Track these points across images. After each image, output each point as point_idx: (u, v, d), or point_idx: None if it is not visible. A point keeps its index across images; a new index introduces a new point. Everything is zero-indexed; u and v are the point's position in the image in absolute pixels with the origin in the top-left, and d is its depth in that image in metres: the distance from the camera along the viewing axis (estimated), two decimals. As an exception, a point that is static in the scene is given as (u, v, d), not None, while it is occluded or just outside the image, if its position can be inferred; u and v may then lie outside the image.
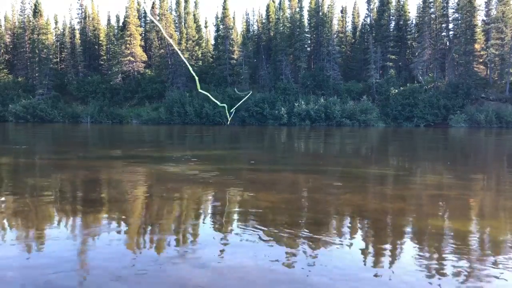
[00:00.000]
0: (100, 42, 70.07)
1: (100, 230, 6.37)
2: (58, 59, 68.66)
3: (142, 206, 8.13)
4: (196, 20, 70.28)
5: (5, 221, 6.79)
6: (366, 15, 65.32)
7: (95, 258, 5.17)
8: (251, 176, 11.97)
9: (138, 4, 70.72)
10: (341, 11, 69.29)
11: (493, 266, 4.98)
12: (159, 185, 10.56)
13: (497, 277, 4.66)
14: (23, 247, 5.55)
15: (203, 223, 6.91)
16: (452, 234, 6.34)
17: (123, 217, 7.25)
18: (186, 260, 5.10)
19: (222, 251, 5.45)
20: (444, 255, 5.33)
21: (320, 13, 60.59)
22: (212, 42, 70.43)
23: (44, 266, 4.84)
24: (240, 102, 9.30)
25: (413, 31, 60.83)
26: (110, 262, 5.03)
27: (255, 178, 11.59)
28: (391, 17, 60.77)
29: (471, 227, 6.80)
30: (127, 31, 61.07)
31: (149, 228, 6.60)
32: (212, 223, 6.89)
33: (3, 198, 8.60)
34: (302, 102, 50.61)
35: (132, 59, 60.66)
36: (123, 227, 6.62)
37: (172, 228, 6.64)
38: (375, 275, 4.69)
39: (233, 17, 65.26)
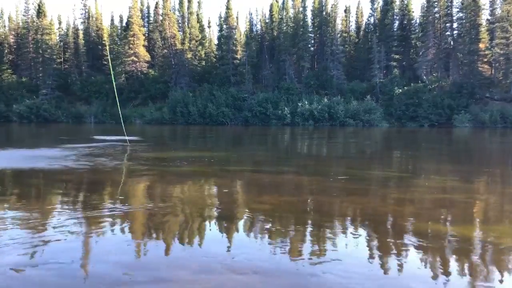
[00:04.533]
0: (103, 42, 70.20)
1: (100, 232, 6.30)
2: (62, 59, 68.85)
3: (144, 208, 8.05)
4: (199, 20, 70.35)
5: (7, 220, 6.72)
6: (370, 15, 65.22)
7: (96, 260, 5.09)
8: (254, 177, 11.89)
9: (142, 4, 70.89)
10: (345, 11, 69.14)
11: (499, 270, 4.88)
12: (161, 186, 10.49)
13: (502, 282, 4.56)
14: (24, 246, 5.48)
15: (206, 225, 6.83)
16: (457, 238, 6.23)
17: (125, 218, 7.18)
18: (190, 264, 5.02)
19: (225, 254, 5.37)
20: (449, 260, 5.23)
21: (324, 13, 60.49)
22: (215, 42, 70.45)
23: (44, 266, 4.78)
24: None
25: (417, 30, 60.61)
26: (112, 265, 4.95)
27: (258, 179, 11.51)
28: (395, 17, 60.60)
29: (477, 232, 6.70)
30: (131, 31, 61.17)
31: (151, 230, 6.52)
32: (215, 225, 6.81)
33: (5, 200, 8.55)
34: (306, 102, 50.50)
35: (135, 59, 60.75)
36: (125, 229, 6.55)
37: (175, 231, 6.56)
38: (380, 279, 4.60)
39: (237, 17, 65.27)
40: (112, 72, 23.15)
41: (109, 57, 22.25)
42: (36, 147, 20.06)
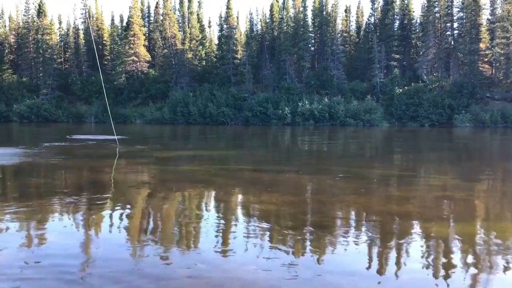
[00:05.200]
0: (104, 42, 70.16)
1: (101, 231, 6.29)
2: (62, 59, 68.76)
3: (144, 207, 8.05)
4: (199, 20, 70.25)
5: (9, 219, 6.72)
6: (370, 15, 65.04)
7: (95, 259, 5.08)
8: (254, 176, 11.88)
9: (142, 4, 70.80)
10: (345, 11, 69.00)
11: (501, 269, 4.86)
12: (161, 185, 10.48)
13: (505, 281, 4.55)
14: (24, 244, 5.47)
15: (206, 225, 6.82)
16: (458, 237, 6.22)
17: (125, 217, 7.17)
18: (189, 263, 5.01)
19: (225, 253, 5.36)
20: (450, 259, 5.21)
21: (324, 13, 60.40)
22: (216, 41, 70.38)
23: (45, 264, 4.77)
24: None
25: (417, 30, 60.49)
26: (110, 264, 4.94)
27: (258, 178, 11.49)
28: (395, 16, 60.46)
29: (478, 230, 6.68)
30: (131, 31, 61.08)
31: (151, 230, 6.51)
32: (215, 225, 6.80)
33: (8, 198, 8.54)
34: (306, 102, 50.42)
35: (135, 59, 60.66)
36: (125, 228, 6.54)
37: (174, 230, 6.56)
38: (380, 279, 4.59)
39: (237, 17, 65.15)
40: (101, 73, 22.93)
41: (98, 64, 22.09)
42: (16, 146, 20.06)
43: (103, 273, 4.69)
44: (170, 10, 63.59)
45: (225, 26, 60.83)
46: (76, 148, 19.87)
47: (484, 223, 7.11)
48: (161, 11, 64.97)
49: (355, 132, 36.62)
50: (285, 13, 61.65)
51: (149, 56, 62.86)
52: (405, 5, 60.60)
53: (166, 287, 4.39)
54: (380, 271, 4.84)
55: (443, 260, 5.21)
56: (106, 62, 67.32)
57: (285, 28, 59.82)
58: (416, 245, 5.76)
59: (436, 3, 54.98)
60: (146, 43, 65.14)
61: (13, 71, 67.76)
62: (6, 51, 70.37)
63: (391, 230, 6.53)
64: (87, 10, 69.26)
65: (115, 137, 21.27)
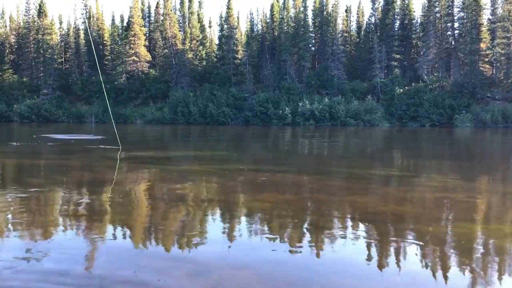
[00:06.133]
0: (104, 42, 70.19)
1: (100, 232, 6.28)
2: (63, 59, 68.84)
3: (144, 207, 8.03)
4: (200, 20, 70.31)
5: (9, 220, 6.70)
6: (371, 14, 65.09)
7: (94, 258, 5.07)
8: (254, 176, 11.85)
9: (142, 4, 70.84)
10: (346, 11, 69.09)
11: (500, 271, 4.84)
12: (161, 185, 10.46)
13: (505, 282, 4.53)
14: (25, 248, 5.46)
15: (205, 224, 6.80)
16: (458, 238, 6.19)
17: (125, 217, 7.16)
18: (188, 263, 4.99)
19: (224, 252, 5.34)
20: (449, 260, 5.19)
21: (325, 13, 60.44)
22: (216, 41, 70.41)
23: (46, 268, 4.76)
24: None
25: (418, 30, 60.52)
26: (109, 265, 4.93)
27: (258, 178, 11.46)
28: (396, 16, 60.48)
29: (478, 232, 6.66)
30: (131, 31, 61.15)
31: (150, 230, 6.50)
32: (214, 224, 6.79)
33: (7, 197, 8.52)
34: (307, 102, 50.44)
35: (136, 59, 60.71)
36: (125, 228, 6.52)
37: (173, 229, 6.54)
38: (380, 279, 4.57)
39: (237, 17, 65.19)
40: (101, 77, 22.56)
41: (98, 68, 21.68)
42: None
43: (103, 274, 4.68)
44: (171, 10, 63.66)
45: (225, 26, 60.85)
46: (43, 148, 19.88)
47: (484, 225, 7.08)
48: (161, 11, 65.02)
49: (356, 132, 36.59)
50: (285, 13, 61.67)
51: (149, 56, 62.92)
52: (406, 5, 60.62)
53: (165, 285, 4.38)
54: (380, 271, 4.82)
55: (443, 260, 5.19)
56: (106, 62, 67.36)
57: (285, 28, 59.83)
58: (416, 245, 5.73)
59: (437, 3, 54.98)
60: (147, 43, 65.21)
61: (13, 71, 67.89)
62: (7, 51, 70.49)
63: (391, 231, 6.50)
64: (87, 10, 69.32)
65: (94, 136, 20.72)
